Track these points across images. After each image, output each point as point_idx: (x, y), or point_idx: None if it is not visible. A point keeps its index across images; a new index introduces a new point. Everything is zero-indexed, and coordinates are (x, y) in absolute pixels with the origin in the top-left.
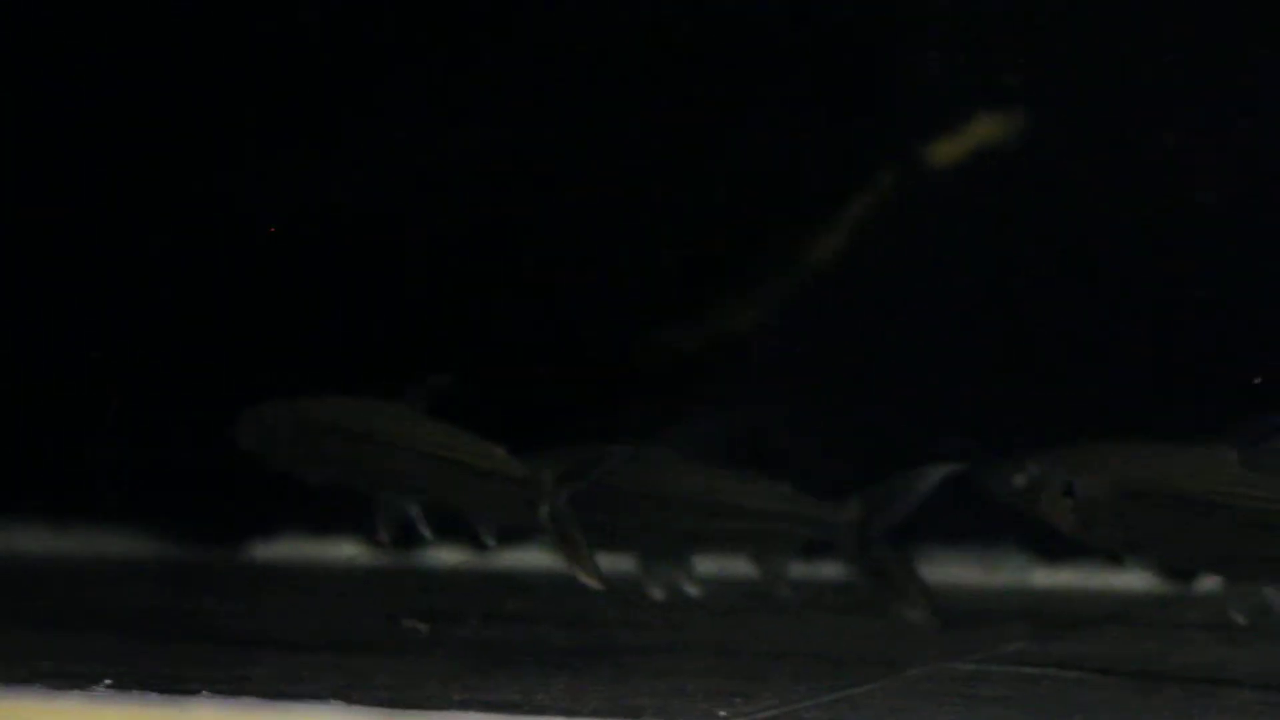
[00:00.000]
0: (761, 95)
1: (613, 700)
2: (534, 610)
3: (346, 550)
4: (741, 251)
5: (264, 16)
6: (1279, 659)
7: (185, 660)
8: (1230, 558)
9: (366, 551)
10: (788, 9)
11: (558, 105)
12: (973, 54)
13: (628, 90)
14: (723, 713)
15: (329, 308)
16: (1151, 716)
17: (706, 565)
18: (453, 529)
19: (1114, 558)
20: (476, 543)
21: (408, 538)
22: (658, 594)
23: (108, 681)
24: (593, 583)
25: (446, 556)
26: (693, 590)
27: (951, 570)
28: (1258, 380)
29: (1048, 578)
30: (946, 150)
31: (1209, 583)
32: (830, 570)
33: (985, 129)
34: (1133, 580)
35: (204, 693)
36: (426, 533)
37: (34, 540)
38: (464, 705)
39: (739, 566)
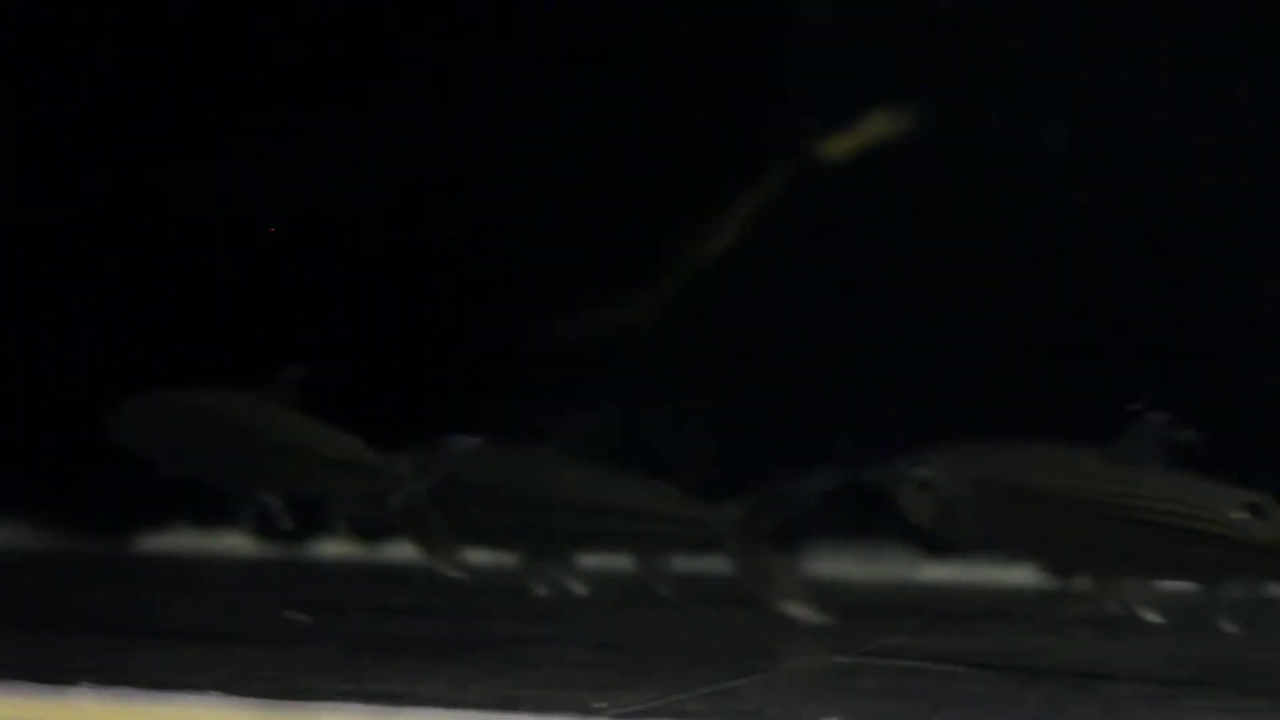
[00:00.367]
0: (649, 91)
1: (493, 692)
2: (418, 604)
3: (228, 541)
4: (631, 249)
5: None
6: (1156, 653)
7: (66, 651)
8: (1092, 552)
9: (251, 543)
10: (679, 6)
11: (445, 100)
12: (863, 52)
13: (518, 85)
14: (601, 704)
15: (206, 300)
16: (1027, 710)
17: (590, 561)
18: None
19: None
20: (365, 536)
21: (292, 531)
22: (542, 591)
23: None
24: (450, 571)
25: (333, 549)
26: (577, 588)
27: (837, 566)
28: (1135, 407)
29: (932, 573)
30: (838, 147)
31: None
32: (715, 565)
33: (876, 126)
34: (1016, 576)
35: (84, 683)
36: (286, 524)
37: None
38: (345, 697)
39: (623, 561)
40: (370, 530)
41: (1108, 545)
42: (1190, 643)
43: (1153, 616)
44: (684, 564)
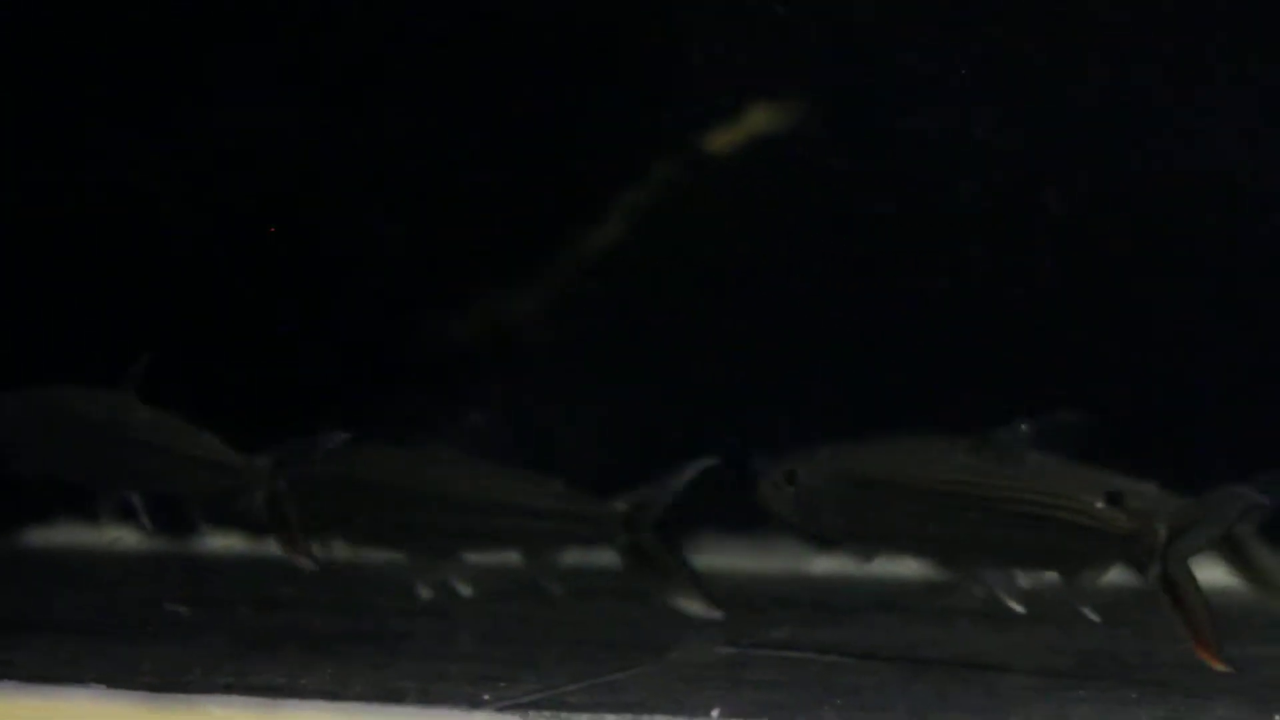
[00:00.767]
0: (534, 86)
1: (377, 684)
2: (303, 597)
3: (109, 535)
4: (518, 244)
5: None
6: (1040, 643)
7: None
8: (956, 543)
9: (135, 537)
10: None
11: (331, 92)
12: (748, 45)
13: (402, 79)
14: (485, 696)
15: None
16: (914, 700)
17: (478, 557)
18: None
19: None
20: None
21: (177, 525)
22: (426, 593)
23: None
24: (306, 566)
25: (218, 543)
26: (463, 589)
27: (726, 558)
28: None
29: (821, 566)
30: (721, 140)
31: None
32: (603, 558)
33: (760, 119)
34: (905, 568)
35: None
36: (146, 522)
37: None
38: (228, 689)
39: (511, 557)
40: (257, 524)
41: (971, 536)
42: (1073, 633)
43: (1015, 606)
44: (571, 556)
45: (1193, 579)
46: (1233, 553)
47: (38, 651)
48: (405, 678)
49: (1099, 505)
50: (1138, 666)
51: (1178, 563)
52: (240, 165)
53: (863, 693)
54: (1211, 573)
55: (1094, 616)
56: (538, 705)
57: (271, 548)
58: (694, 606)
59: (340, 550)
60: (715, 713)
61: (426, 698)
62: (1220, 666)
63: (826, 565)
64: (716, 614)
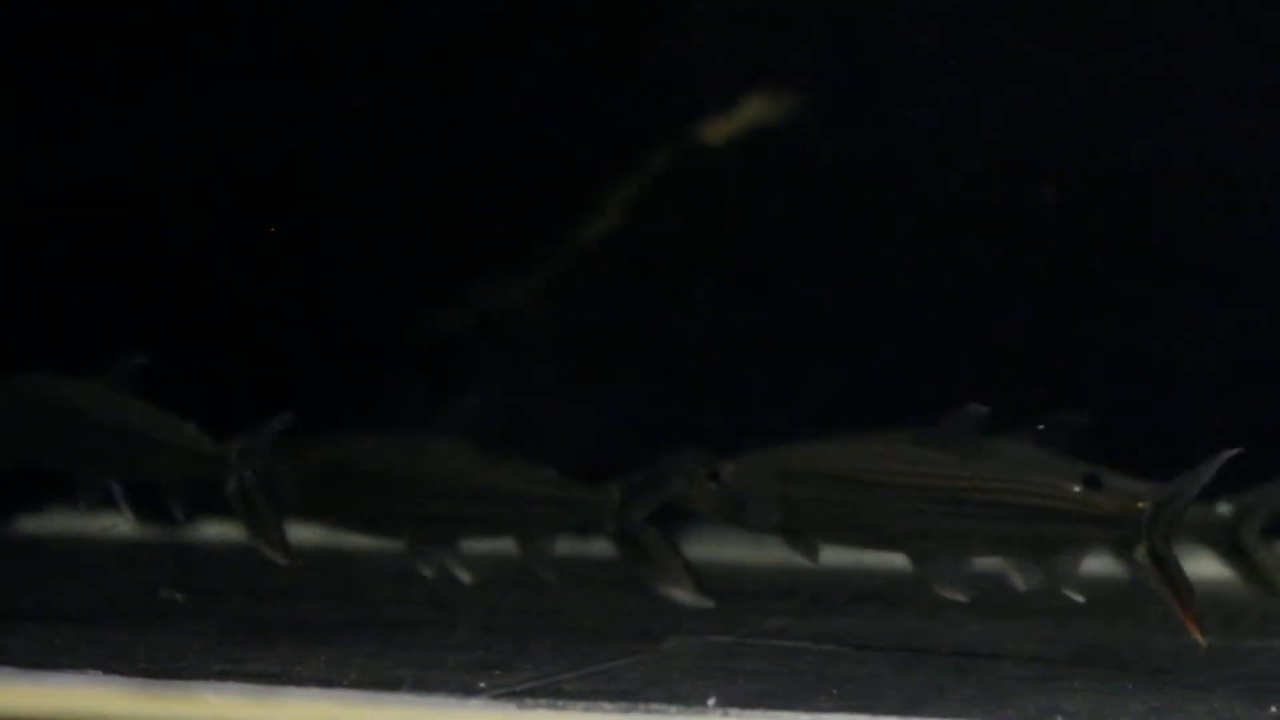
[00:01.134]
0: (528, 75)
1: (372, 672)
2: (297, 585)
3: (104, 522)
4: (509, 232)
5: None
6: (1033, 634)
7: None
8: (909, 534)
9: (128, 525)
10: None
11: (321, 82)
12: (743, 35)
13: (394, 67)
14: (481, 684)
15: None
16: (908, 690)
17: (473, 545)
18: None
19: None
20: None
21: (170, 513)
22: (428, 573)
23: None
24: (279, 558)
25: (212, 532)
26: (463, 575)
27: (718, 548)
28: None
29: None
30: (717, 131)
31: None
32: (598, 547)
33: (756, 110)
34: (898, 559)
35: None
36: (127, 510)
37: None
38: (223, 676)
39: (505, 545)
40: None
41: (927, 527)
42: (1068, 624)
43: (959, 596)
44: (566, 546)
45: (1174, 554)
46: (1234, 550)
47: (32, 638)
48: (400, 666)
49: (1076, 489)
50: (1133, 657)
51: (1162, 539)
52: (228, 153)
53: (858, 682)
54: (1207, 565)
55: (1078, 598)
56: (533, 693)
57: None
58: (685, 595)
59: (336, 538)
60: (711, 701)
61: (422, 685)
62: (1202, 640)
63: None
64: (707, 603)
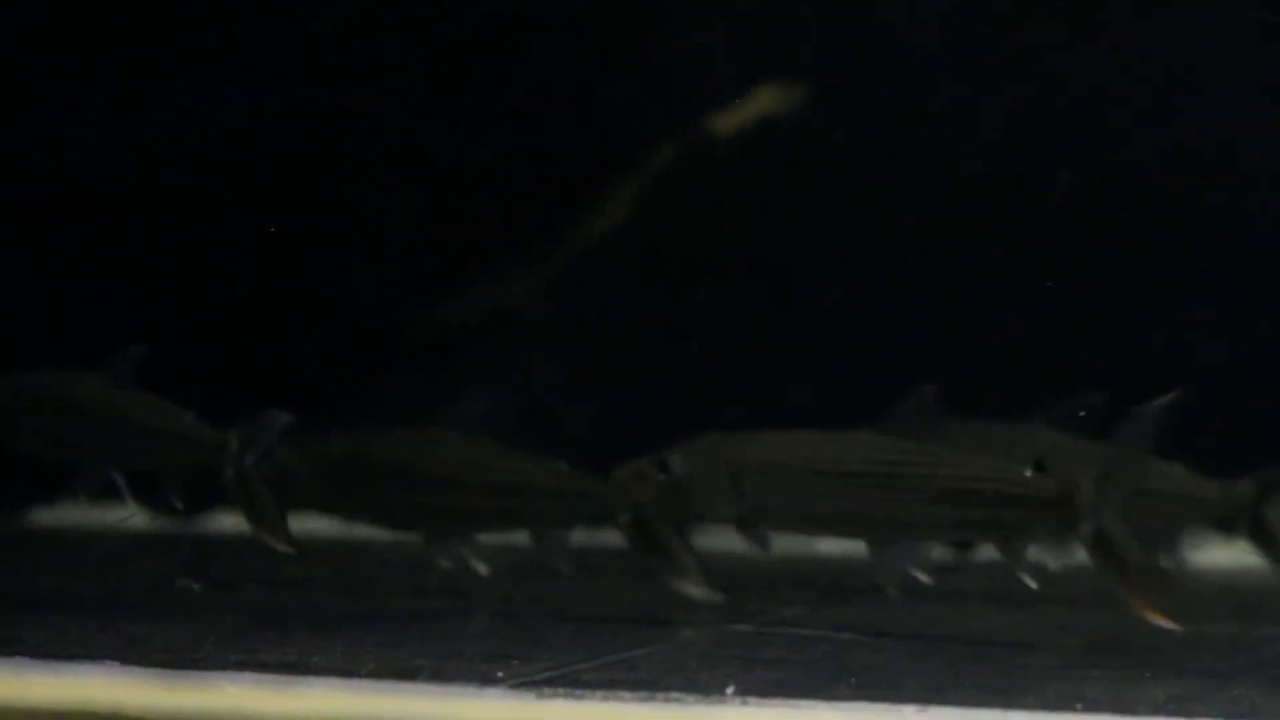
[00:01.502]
0: (533, 68)
1: (389, 662)
2: (313, 576)
3: (119, 514)
4: (517, 225)
5: None
6: (1050, 623)
7: None
8: (864, 521)
9: (144, 517)
10: None
11: (331, 73)
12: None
13: (400, 60)
14: (499, 674)
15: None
16: (926, 679)
17: (488, 538)
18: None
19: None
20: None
21: (187, 504)
22: (445, 564)
23: None
24: (281, 546)
25: (227, 523)
26: (480, 568)
27: (730, 540)
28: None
29: (830, 545)
30: (726, 123)
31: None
32: (614, 537)
33: (765, 102)
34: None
35: None
36: (128, 499)
37: None
38: (240, 666)
39: (520, 537)
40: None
41: (879, 515)
42: (1086, 612)
43: (923, 577)
44: (581, 537)
45: (1129, 536)
46: (1260, 533)
47: (49, 628)
48: (417, 656)
49: (1023, 472)
50: (1151, 645)
51: (1110, 518)
52: (228, 146)
53: (876, 671)
54: (1228, 552)
55: (1031, 584)
56: (551, 683)
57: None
58: (694, 589)
59: (351, 529)
60: (729, 690)
61: (439, 676)
62: (1168, 624)
63: (833, 545)
64: (716, 597)
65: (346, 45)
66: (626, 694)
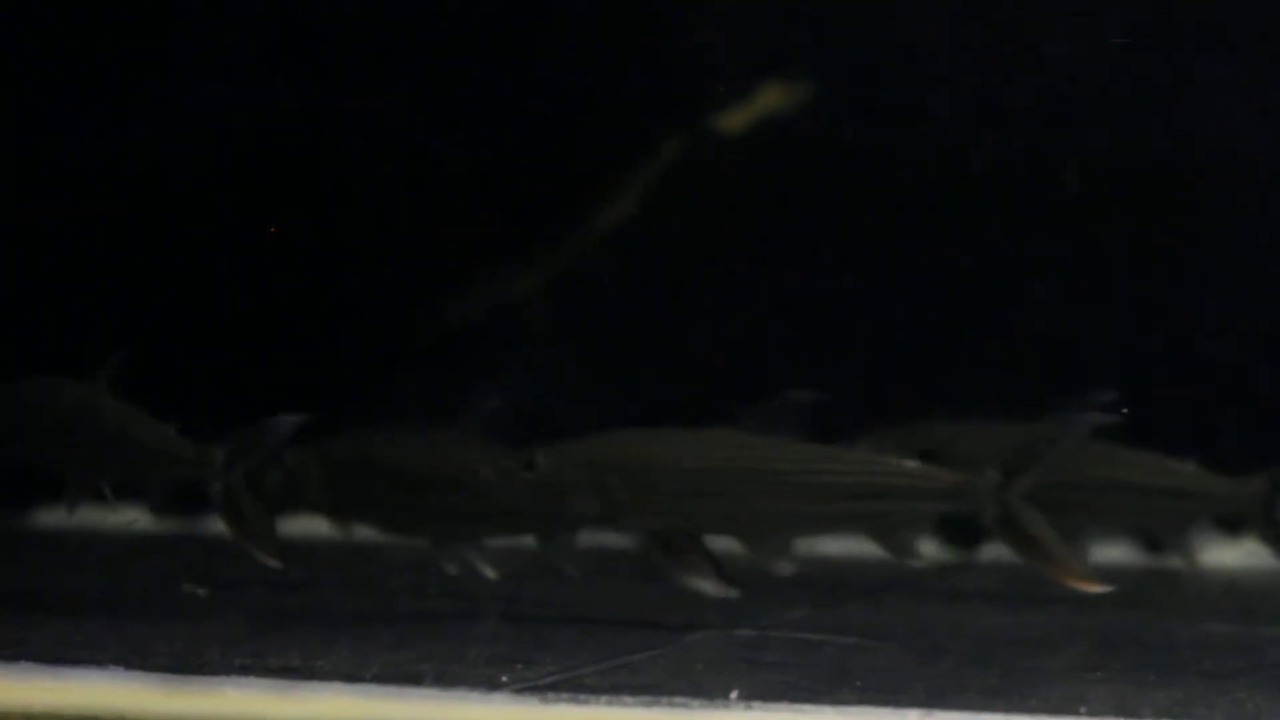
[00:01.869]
0: (540, 63)
1: (394, 666)
2: (317, 577)
3: (127, 516)
4: (520, 223)
5: None
6: (1053, 624)
7: None
8: (735, 518)
9: (149, 518)
10: None
11: (331, 70)
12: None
13: (405, 54)
14: (504, 678)
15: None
16: (929, 682)
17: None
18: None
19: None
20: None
21: (190, 506)
22: (453, 570)
23: None
24: (269, 560)
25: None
26: (488, 571)
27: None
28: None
29: (833, 546)
30: (732, 120)
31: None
32: (620, 539)
33: (771, 99)
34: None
35: None
36: (113, 508)
37: None
38: (245, 670)
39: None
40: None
41: (750, 511)
42: (1090, 615)
43: (785, 567)
44: (587, 537)
45: (1036, 515)
46: (1272, 531)
47: (53, 632)
48: (423, 660)
49: (909, 464)
50: (1155, 648)
51: (1015, 503)
52: (225, 146)
53: (880, 674)
54: (1235, 552)
55: (919, 563)
56: (556, 687)
57: (285, 528)
58: (708, 585)
59: (356, 532)
60: (734, 694)
61: (444, 680)
62: (1095, 588)
63: (836, 546)
64: (732, 592)
65: (349, 42)
66: (630, 698)
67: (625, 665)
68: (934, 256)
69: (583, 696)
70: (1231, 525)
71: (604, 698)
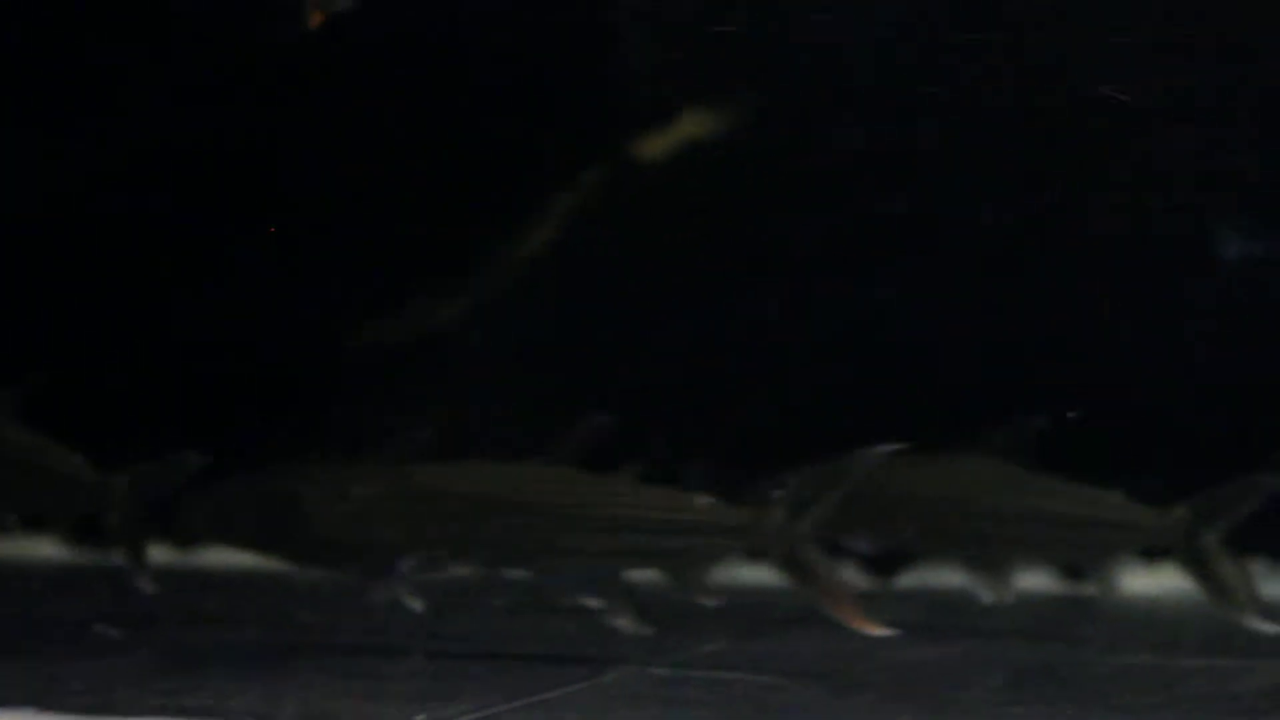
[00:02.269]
0: (465, 89)
1: (308, 704)
2: (232, 611)
3: (45, 549)
4: (449, 246)
5: None
6: (972, 658)
7: None
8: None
9: (64, 549)
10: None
11: (256, 92)
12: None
13: (333, 78)
14: (420, 717)
15: None
16: (847, 717)
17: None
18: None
19: None
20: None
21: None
22: (379, 600)
23: None
24: (149, 589)
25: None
26: (413, 603)
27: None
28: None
29: (753, 576)
30: (653, 146)
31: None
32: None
33: (692, 125)
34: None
35: None
36: (14, 536)
37: None
38: (159, 711)
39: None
40: (183, 535)
41: (546, 544)
42: (1008, 647)
43: (711, 601)
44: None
45: (820, 554)
46: (1195, 562)
47: None
48: (337, 697)
49: (699, 501)
50: (1073, 680)
51: (800, 540)
52: (136, 170)
53: (797, 712)
54: (1152, 580)
55: (710, 603)
56: None
57: (199, 559)
58: (624, 623)
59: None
60: None
61: (359, 718)
62: (877, 630)
63: (756, 576)
64: (646, 630)
65: (270, 64)
66: None
67: (540, 703)
68: (859, 285)
69: None
70: (1152, 555)
71: None
